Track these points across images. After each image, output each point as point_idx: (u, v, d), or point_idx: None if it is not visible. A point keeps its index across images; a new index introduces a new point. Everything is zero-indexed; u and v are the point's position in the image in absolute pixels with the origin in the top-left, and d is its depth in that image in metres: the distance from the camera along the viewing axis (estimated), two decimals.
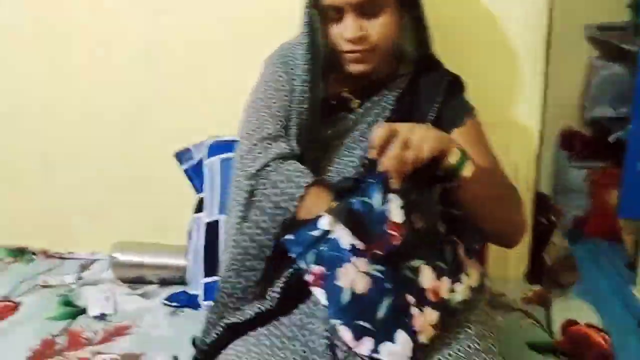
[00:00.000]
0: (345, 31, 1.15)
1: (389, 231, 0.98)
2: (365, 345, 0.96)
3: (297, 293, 1.10)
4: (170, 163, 1.58)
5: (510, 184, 1.21)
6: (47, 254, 1.74)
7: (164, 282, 1.59)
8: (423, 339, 0.99)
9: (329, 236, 1.01)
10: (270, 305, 1.11)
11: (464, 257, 1.09)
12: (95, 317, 1.46)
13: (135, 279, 1.60)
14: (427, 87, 1.24)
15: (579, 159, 3.24)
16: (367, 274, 0.98)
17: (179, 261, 1.57)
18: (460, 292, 1.05)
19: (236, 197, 1.16)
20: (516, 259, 1.59)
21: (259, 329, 1.11)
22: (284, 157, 1.14)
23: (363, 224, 1.00)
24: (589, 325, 1.38)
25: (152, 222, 1.67)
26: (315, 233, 1.01)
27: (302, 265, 1.01)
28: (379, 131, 0.98)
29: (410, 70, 1.27)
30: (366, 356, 0.96)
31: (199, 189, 1.56)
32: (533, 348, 1.31)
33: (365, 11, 1.15)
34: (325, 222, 1.01)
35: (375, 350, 0.96)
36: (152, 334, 1.39)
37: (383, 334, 0.96)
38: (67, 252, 1.74)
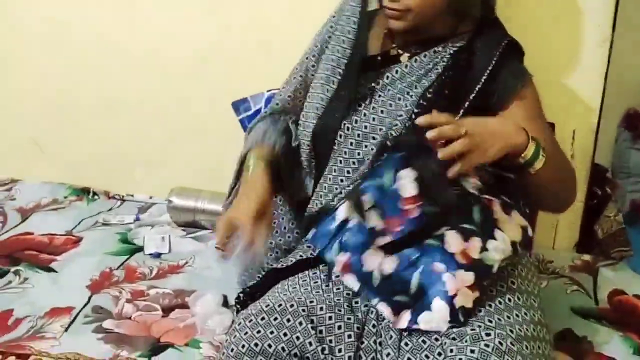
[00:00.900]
0: None
1: (405, 207, 1.01)
2: (404, 319, 0.99)
3: None
4: (227, 113, 1.62)
5: (564, 157, 1.21)
6: (108, 195, 1.82)
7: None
8: (461, 301, 0.98)
9: (348, 225, 1.04)
10: (311, 254, 1.15)
11: (500, 213, 1.06)
12: (151, 255, 1.53)
13: (189, 223, 1.66)
14: (485, 47, 1.22)
15: None
16: (392, 253, 1.01)
17: None
18: (495, 248, 1.01)
19: None
20: (566, 228, 1.58)
21: (305, 272, 1.15)
22: (273, 113, 1.29)
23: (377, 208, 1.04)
24: (637, 296, 1.36)
25: (208, 170, 1.72)
26: (334, 224, 1.05)
27: (328, 257, 1.05)
28: (445, 128, 1.01)
29: (471, 29, 1.26)
30: (405, 328, 0.99)
31: None
32: (577, 313, 1.31)
33: None
34: (342, 212, 1.05)
35: (414, 321, 0.98)
36: (203, 274, 1.46)
37: (420, 304, 0.99)
38: (127, 194, 1.82)
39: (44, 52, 1.78)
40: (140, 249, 1.56)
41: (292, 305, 1.04)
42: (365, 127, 1.22)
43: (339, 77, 1.25)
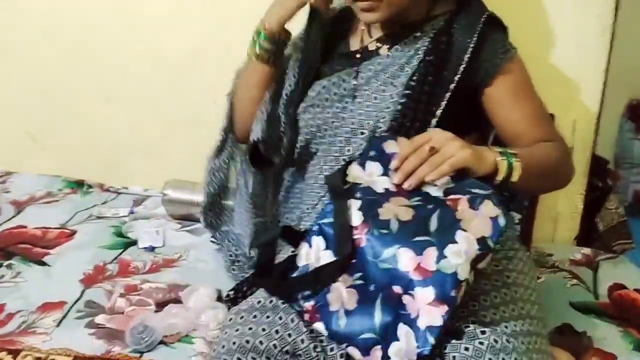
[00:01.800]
0: None
1: (355, 237, 0.98)
2: (376, 357, 0.93)
3: None
4: (223, 105, 1.60)
5: (553, 141, 1.17)
6: (103, 188, 1.80)
7: None
8: (426, 322, 0.91)
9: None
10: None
11: (466, 211, 0.96)
12: (145, 249, 1.51)
13: (184, 216, 1.64)
14: (464, 25, 1.18)
15: None
16: (352, 287, 0.96)
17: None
18: (454, 253, 0.92)
19: None
20: (567, 221, 1.56)
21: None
22: None
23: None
24: (638, 291, 1.34)
25: (204, 162, 1.69)
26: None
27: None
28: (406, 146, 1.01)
29: (448, 9, 1.22)
30: None
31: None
32: (576, 308, 1.29)
33: None
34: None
35: (386, 357, 0.92)
36: (198, 268, 1.44)
37: (388, 337, 0.93)
38: (122, 187, 1.80)
39: (37, 43, 1.76)
40: (134, 242, 1.54)
41: (284, 302, 1.02)
42: (353, 123, 1.20)
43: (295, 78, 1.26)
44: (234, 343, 0.98)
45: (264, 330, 0.99)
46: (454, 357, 0.92)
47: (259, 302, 1.04)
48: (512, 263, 1.08)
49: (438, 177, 0.99)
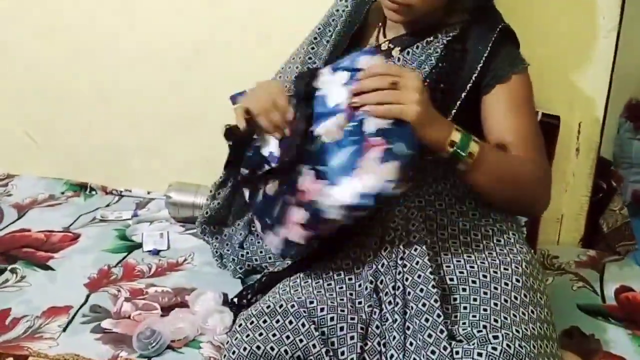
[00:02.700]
0: None
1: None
2: (267, 235, 1.11)
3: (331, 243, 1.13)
4: (225, 106, 1.59)
5: (533, 160, 1.13)
6: (106, 191, 1.79)
7: None
8: (290, 235, 1.05)
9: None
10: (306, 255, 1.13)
11: (369, 161, 0.98)
12: (150, 252, 1.50)
13: (188, 219, 1.63)
14: (479, 35, 1.19)
15: None
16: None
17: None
18: (335, 193, 0.98)
19: None
20: (571, 223, 1.56)
21: (307, 271, 1.13)
22: None
23: None
24: None
25: (207, 164, 1.68)
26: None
27: None
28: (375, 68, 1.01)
29: (466, 18, 1.23)
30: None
31: None
32: (583, 310, 1.29)
33: None
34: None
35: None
36: (203, 271, 1.43)
37: (274, 228, 1.07)
38: (125, 189, 1.79)
39: (37, 43, 1.74)
40: (139, 245, 1.53)
41: (293, 306, 1.02)
42: None
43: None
44: (244, 349, 0.97)
45: (274, 335, 0.98)
46: None
47: (268, 307, 1.03)
48: (521, 266, 1.07)
49: (375, 115, 0.99)
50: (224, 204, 1.40)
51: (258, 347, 0.97)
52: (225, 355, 0.99)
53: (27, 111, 1.82)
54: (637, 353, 1.18)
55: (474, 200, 1.18)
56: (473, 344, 0.93)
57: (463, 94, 1.15)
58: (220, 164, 1.65)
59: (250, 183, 1.14)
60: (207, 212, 1.41)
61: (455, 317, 1.00)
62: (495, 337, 0.94)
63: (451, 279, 1.05)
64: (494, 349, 0.92)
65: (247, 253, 1.38)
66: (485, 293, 1.02)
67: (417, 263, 1.05)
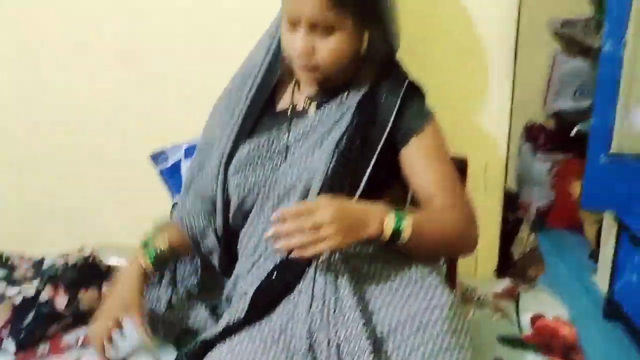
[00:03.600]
0: (295, 42, 1.19)
1: None
2: None
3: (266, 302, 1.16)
4: (146, 165, 1.59)
5: (462, 206, 1.23)
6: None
7: None
8: None
9: None
10: (239, 317, 1.15)
11: None
12: None
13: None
14: (388, 91, 1.26)
15: (543, 151, 3.33)
16: None
17: None
18: None
19: None
20: (486, 255, 1.64)
21: (241, 333, 1.14)
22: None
23: None
24: (556, 319, 1.44)
25: (130, 225, 1.66)
26: None
27: None
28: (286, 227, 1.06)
29: (373, 74, 1.29)
30: None
31: (173, 191, 1.58)
32: (504, 341, 1.36)
33: (319, 29, 1.17)
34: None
35: None
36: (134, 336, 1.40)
37: None
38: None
39: None
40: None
41: None
42: (285, 184, 1.23)
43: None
44: None
45: None
46: None
47: None
48: (445, 311, 1.11)
49: (302, 256, 1.06)
50: None
51: None
52: None
53: None
54: None
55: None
56: None
57: (379, 146, 1.21)
58: (143, 225, 1.65)
59: None
60: None
61: None
62: None
63: (381, 330, 1.09)
64: None
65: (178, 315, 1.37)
66: (414, 341, 1.07)
67: (348, 318, 1.09)
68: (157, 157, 1.61)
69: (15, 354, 1.33)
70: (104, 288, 1.47)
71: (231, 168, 1.28)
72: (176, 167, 1.58)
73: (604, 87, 2.28)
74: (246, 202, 1.27)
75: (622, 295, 2.45)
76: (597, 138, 2.37)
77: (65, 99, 1.65)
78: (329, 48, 1.18)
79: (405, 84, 1.26)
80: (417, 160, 1.23)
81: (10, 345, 1.34)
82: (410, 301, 1.14)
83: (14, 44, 1.66)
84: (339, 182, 1.20)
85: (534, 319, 1.44)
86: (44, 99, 1.66)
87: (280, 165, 1.25)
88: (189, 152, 1.55)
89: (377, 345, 1.07)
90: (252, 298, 1.15)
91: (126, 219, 1.68)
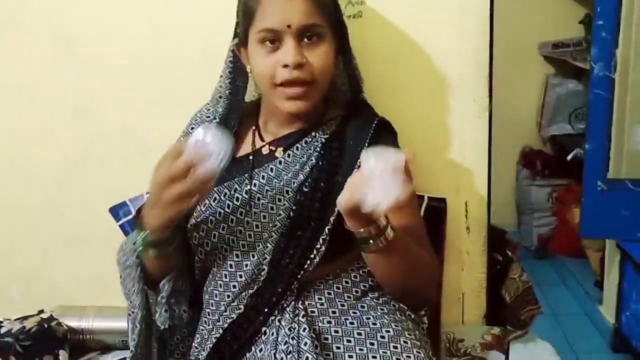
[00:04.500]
0: (285, 56, 1.10)
1: None
2: None
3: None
4: (105, 219, 1.51)
5: (421, 252, 1.16)
6: None
7: (107, 348, 1.50)
8: None
9: None
10: None
11: None
12: None
13: (75, 345, 1.50)
14: (355, 131, 1.19)
15: (541, 177, 3.25)
16: None
17: (122, 324, 1.48)
18: None
19: None
20: (473, 301, 1.54)
21: None
22: None
23: None
24: None
25: (92, 283, 1.58)
26: None
27: None
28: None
29: (339, 114, 1.22)
30: None
31: None
32: None
33: (306, 39, 1.11)
34: None
35: None
36: None
37: None
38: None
39: None
40: None
41: None
42: (250, 236, 1.15)
43: None
44: None
45: None
46: None
47: None
48: None
49: None
50: None
51: None
52: None
53: None
54: None
55: (371, 296, 1.17)
56: None
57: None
58: (105, 283, 1.57)
59: None
60: None
61: None
62: None
63: None
64: None
65: None
66: None
67: None
68: (118, 210, 1.53)
69: None
70: (61, 356, 1.38)
71: (190, 224, 1.19)
72: None
73: (596, 111, 2.19)
74: (208, 259, 1.20)
75: (629, 327, 2.34)
76: (593, 164, 2.28)
77: (21, 157, 1.58)
78: (321, 57, 1.12)
79: (375, 122, 1.18)
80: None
81: None
82: None
83: None
84: (300, 229, 1.13)
85: None
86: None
87: (244, 217, 1.16)
88: None
89: None
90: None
91: (89, 278, 1.60)
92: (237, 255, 1.17)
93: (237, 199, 1.17)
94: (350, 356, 1.07)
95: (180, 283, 1.23)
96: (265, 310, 1.13)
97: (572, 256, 3.15)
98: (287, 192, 1.15)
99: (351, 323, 1.13)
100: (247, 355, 1.12)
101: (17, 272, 1.63)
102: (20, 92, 1.56)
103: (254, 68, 1.15)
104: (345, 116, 1.21)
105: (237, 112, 1.23)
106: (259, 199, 1.17)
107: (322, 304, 1.15)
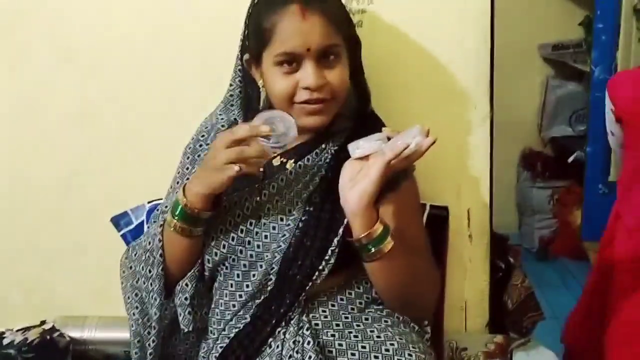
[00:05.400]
0: (306, 80, 1.11)
1: None
2: None
3: None
4: (107, 229, 1.50)
5: (422, 262, 1.17)
6: None
7: (109, 359, 1.50)
8: None
9: None
10: None
11: None
12: None
13: (78, 356, 1.50)
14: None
15: (542, 178, 3.25)
16: None
17: (125, 334, 1.48)
18: None
19: None
20: (476, 308, 1.54)
21: None
22: None
23: None
24: None
25: (93, 293, 1.58)
26: None
27: None
28: None
29: (348, 125, 1.23)
30: None
31: None
32: None
33: (324, 59, 1.12)
34: None
35: None
36: None
37: None
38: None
39: None
40: None
41: None
42: (258, 247, 1.15)
43: None
44: None
45: None
46: None
47: None
48: None
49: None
50: None
51: None
52: None
53: None
54: None
55: (375, 308, 1.18)
56: None
57: None
58: (107, 292, 1.56)
59: None
60: None
61: None
62: None
63: None
64: None
65: None
66: None
67: None
68: (119, 220, 1.53)
69: None
70: None
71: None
72: (140, 228, 1.50)
73: (597, 114, 2.19)
74: (216, 268, 1.20)
75: None
76: (594, 167, 2.29)
77: (21, 165, 1.57)
78: (339, 75, 1.14)
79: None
80: (393, 215, 1.14)
81: None
82: None
83: None
84: (310, 240, 1.14)
85: None
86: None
87: (253, 227, 1.16)
88: (152, 213, 1.47)
89: None
90: None
91: (91, 288, 1.59)
92: (244, 265, 1.17)
93: (247, 208, 1.17)
94: None
95: (202, 285, 1.22)
96: (273, 321, 1.13)
97: (573, 258, 3.15)
98: (297, 202, 1.16)
99: (355, 336, 1.13)
100: None
101: (17, 282, 1.62)
102: (20, 101, 1.56)
103: (271, 87, 1.15)
104: (354, 128, 1.22)
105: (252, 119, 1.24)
106: (268, 209, 1.17)
107: (326, 317, 1.15)
